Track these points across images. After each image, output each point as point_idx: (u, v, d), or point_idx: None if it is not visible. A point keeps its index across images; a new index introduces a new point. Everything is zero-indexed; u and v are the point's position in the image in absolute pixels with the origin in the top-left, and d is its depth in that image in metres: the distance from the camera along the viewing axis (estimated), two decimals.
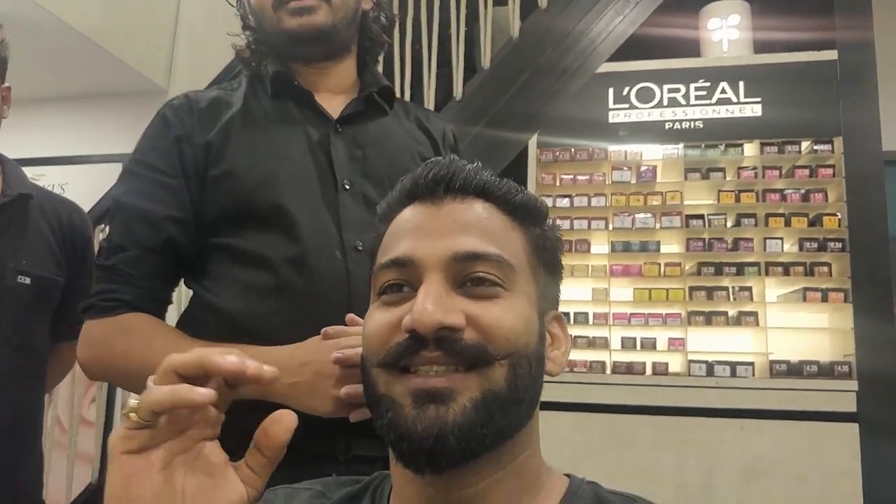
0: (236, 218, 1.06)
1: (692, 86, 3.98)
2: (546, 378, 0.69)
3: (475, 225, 0.65)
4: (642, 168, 3.95)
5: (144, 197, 1.06)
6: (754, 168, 3.82)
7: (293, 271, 1.02)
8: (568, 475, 0.72)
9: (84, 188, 3.09)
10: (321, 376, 0.90)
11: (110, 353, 1.02)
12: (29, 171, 1.69)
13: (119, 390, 2.78)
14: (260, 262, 1.04)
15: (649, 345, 3.65)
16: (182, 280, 1.14)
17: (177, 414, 0.54)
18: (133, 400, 0.54)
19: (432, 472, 0.60)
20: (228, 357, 0.54)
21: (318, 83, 1.18)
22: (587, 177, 3.97)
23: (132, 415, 0.53)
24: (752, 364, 3.49)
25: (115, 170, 3.93)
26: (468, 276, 0.63)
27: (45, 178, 3.27)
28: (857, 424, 3.19)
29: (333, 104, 1.17)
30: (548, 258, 0.71)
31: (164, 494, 0.54)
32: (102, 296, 1.03)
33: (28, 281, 1.55)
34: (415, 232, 0.66)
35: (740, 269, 3.68)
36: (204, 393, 0.52)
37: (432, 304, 0.60)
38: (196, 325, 1.05)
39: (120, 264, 1.03)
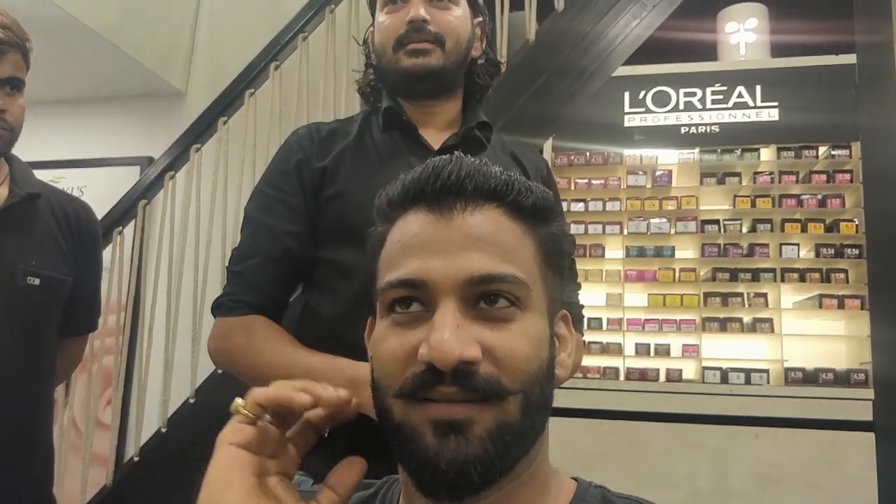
0: (341, 235, 1.20)
1: (709, 90, 3.96)
2: (560, 385, 0.69)
3: (488, 240, 0.64)
4: (658, 172, 3.93)
5: (268, 213, 1.23)
6: (771, 173, 3.80)
7: None
8: (575, 478, 0.72)
9: (103, 191, 3.11)
10: None
11: (232, 347, 1.18)
12: (48, 174, 1.71)
13: (134, 393, 2.80)
14: (357, 275, 1.15)
15: (663, 351, 3.64)
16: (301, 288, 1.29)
17: (272, 431, 0.64)
18: (240, 399, 0.64)
19: (451, 500, 0.61)
20: (302, 395, 0.63)
21: (424, 120, 1.32)
22: (602, 181, 3.96)
23: (240, 407, 0.62)
24: (766, 371, 3.47)
25: (134, 172, 3.98)
26: (483, 295, 0.62)
27: (64, 180, 3.30)
28: (873, 433, 3.16)
29: (436, 138, 1.30)
30: (555, 259, 0.69)
31: (253, 495, 0.61)
32: (230, 296, 1.19)
33: (38, 282, 1.57)
34: (424, 248, 0.64)
35: (755, 275, 3.66)
36: (304, 397, 0.63)
37: (450, 337, 0.59)
38: (305, 333, 1.18)
39: (246, 270, 1.20)
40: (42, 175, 1.71)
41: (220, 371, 2.65)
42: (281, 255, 1.20)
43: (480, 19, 1.38)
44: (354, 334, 1.10)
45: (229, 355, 1.19)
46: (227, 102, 2.82)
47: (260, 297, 1.19)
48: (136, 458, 2.63)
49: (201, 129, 2.83)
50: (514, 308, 0.63)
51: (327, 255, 1.21)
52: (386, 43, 1.28)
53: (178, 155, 2.82)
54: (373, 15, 1.37)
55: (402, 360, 0.62)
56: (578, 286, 1.40)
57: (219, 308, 1.20)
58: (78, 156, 3.70)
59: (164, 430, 2.63)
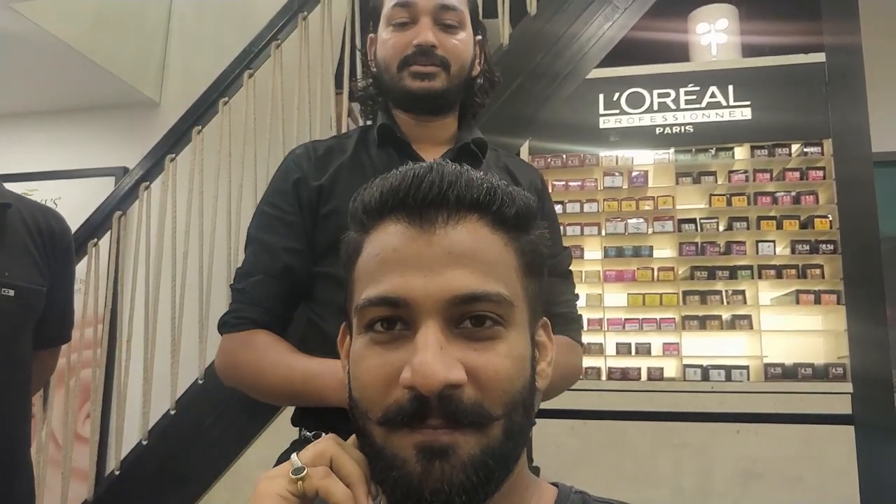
0: (338, 250, 1.21)
1: (682, 90, 4.00)
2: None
3: (471, 256, 0.62)
4: (633, 173, 3.96)
5: (268, 231, 1.28)
6: (745, 171, 3.83)
7: None
8: (555, 484, 0.71)
9: (77, 202, 3.08)
10: None
11: (235, 363, 1.22)
12: (22, 186, 1.69)
13: (114, 406, 2.77)
14: None
15: (644, 350, 3.66)
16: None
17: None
18: (298, 461, 0.62)
19: None
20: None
21: (420, 135, 1.34)
22: (579, 183, 3.98)
23: (300, 483, 0.61)
24: (746, 367, 3.50)
25: (109, 183, 3.95)
26: (467, 314, 0.61)
27: (38, 192, 3.26)
28: (852, 426, 3.19)
29: (432, 154, 1.33)
30: (535, 267, 0.68)
31: None
32: (233, 314, 1.24)
33: (12, 293, 1.55)
34: (405, 265, 0.62)
35: (733, 272, 3.69)
36: None
37: (434, 360, 0.58)
38: (307, 345, 1.22)
39: (248, 288, 1.25)
40: (16, 187, 1.69)
41: (200, 381, 2.63)
42: (280, 271, 1.24)
43: (480, 37, 1.41)
44: None
45: (234, 371, 1.23)
46: (202, 111, 2.81)
47: (261, 312, 1.23)
48: (116, 472, 2.60)
49: (176, 139, 2.82)
50: (498, 327, 0.61)
51: (326, 270, 1.25)
52: (390, 61, 1.31)
53: (153, 165, 2.80)
54: (372, 21, 1.39)
55: (384, 383, 0.61)
56: (576, 296, 1.43)
57: (223, 326, 1.24)
58: (52, 167, 3.67)
59: (144, 442, 2.60)
